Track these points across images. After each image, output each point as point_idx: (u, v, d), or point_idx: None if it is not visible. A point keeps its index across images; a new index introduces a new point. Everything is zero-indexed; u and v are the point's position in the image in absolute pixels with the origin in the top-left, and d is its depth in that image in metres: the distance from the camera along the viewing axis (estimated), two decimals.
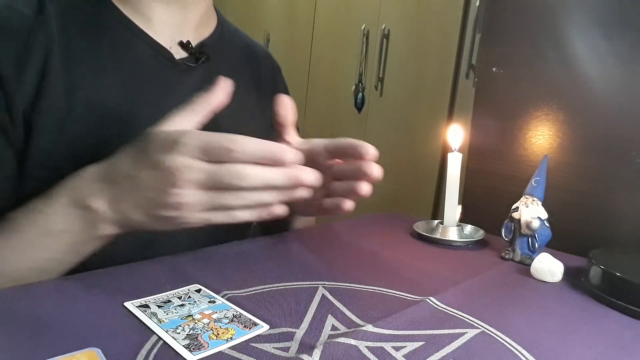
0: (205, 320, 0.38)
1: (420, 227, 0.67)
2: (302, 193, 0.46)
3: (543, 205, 0.59)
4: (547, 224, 0.58)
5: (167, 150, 0.43)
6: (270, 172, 0.44)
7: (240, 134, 0.68)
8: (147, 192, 0.43)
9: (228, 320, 0.38)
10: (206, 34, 0.65)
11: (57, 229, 0.45)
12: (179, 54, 0.61)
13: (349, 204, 0.53)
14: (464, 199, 0.81)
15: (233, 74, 0.67)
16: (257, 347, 0.35)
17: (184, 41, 0.61)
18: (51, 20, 0.52)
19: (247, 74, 0.71)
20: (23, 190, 0.50)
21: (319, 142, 0.56)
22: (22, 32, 0.50)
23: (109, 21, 0.56)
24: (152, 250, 0.52)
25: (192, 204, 0.43)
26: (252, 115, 0.70)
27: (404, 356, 0.35)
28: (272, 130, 0.74)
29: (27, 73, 0.50)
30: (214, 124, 0.62)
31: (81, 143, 0.52)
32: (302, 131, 0.90)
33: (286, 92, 0.81)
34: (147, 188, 0.43)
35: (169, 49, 0.59)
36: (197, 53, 0.62)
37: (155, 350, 0.33)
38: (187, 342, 0.35)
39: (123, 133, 0.53)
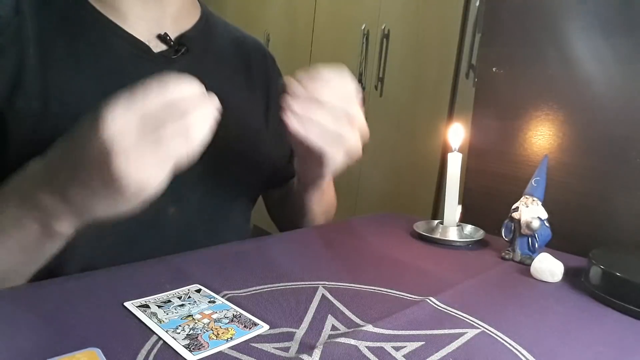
0: (205, 320, 0.38)
1: (420, 227, 0.67)
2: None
3: (543, 205, 0.59)
4: (547, 224, 0.58)
5: (97, 122, 0.40)
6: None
7: (229, 124, 0.68)
8: (86, 169, 0.40)
9: (228, 320, 0.38)
10: (187, 26, 0.65)
11: (11, 231, 0.44)
12: (158, 47, 0.60)
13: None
14: (464, 199, 0.81)
15: (218, 66, 0.67)
16: (257, 347, 0.35)
17: (162, 34, 0.61)
18: (26, 21, 0.52)
19: (236, 65, 0.71)
20: None
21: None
22: None
23: (84, 19, 0.56)
24: (151, 251, 0.52)
25: (127, 148, 0.39)
26: (241, 106, 0.69)
27: (404, 356, 0.35)
28: (264, 123, 0.73)
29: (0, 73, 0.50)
30: None
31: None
32: None
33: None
34: (86, 165, 0.40)
35: (147, 42, 0.59)
36: (176, 45, 0.61)
37: (155, 350, 0.33)
38: (187, 342, 0.35)
39: None
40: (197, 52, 0.64)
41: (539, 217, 0.58)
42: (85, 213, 0.43)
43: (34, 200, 0.43)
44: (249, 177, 0.68)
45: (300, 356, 0.33)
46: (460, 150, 0.65)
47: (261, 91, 0.74)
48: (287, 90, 0.49)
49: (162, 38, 0.61)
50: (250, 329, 0.37)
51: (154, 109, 0.41)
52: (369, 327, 0.38)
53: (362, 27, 1.99)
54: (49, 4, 0.55)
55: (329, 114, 0.51)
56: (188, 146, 0.43)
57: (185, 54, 0.62)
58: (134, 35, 0.58)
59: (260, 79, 0.74)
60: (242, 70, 0.71)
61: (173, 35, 0.62)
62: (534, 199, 0.59)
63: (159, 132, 0.41)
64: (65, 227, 0.44)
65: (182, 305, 0.40)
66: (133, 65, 0.57)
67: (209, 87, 0.65)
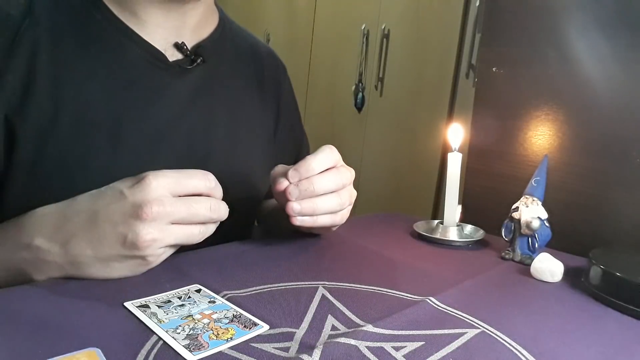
0: (205, 320, 0.38)
1: (420, 227, 0.67)
2: None
3: (543, 205, 0.59)
4: (547, 224, 0.58)
5: (135, 183, 0.42)
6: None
7: (240, 135, 0.68)
8: (107, 226, 0.41)
9: (228, 320, 0.38)
10: (204, 34, 0.64)
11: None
12: (174, 56, 0.59)
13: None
14: (464, 199, 0.81)
15: (232, 75, 0.67)
16: (257, 347, 0.35)
17: (179, 43, 0.60)
18: (39, 23, 0.51)
19: (249, 74, 0.70)
20: (8, 200, 0.49)
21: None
22: (7, 33, 0.49)
23: (100, 23, 0.55)
24: None
25: (158, 239, 0.42)
26: (253, 116, 0.69)
27: (404, 356, 0.35)
28: (273, 132, 0.74)
29: (9, 76, 0.49)
30: (212, 125, 0.62)
31: (67, 150, 0.51)
32: None
33: (292, 92, 0.80)
34: (108, 221, 0.41)
35: (163, 51, 0.58)
36: (192, 55, 0.60)
37: (155, 350, 0.33)
38: (187, 342, 0.35)
39: (110, 139, 0.53)
40: (213, 61, 0.63)
41: (539, 217, 0.58)
42: (78, 266, 0.43)
43: (27, 242, 0.42)
44: (255, 183, 0.68)
45: (300, 356, 0.33)
46: (460, 150, 0.65)
47: (273, 99, 0.74)
48: (286, 195, 0.51)
49: (179, 47, 0.60)
50: (250, 329, 0.37)
51: (191, 191, 0.45)
52: (369, 327, 0.38)
53: (362, 27, 1.99)
54: (63, 5, 0.54)
55: (330, 199, 0.53)
56: (201, 236, 0.46)
57: (200, 64, 0.61)
58: (150, 42, 0.57)
59: (272, 88, 0.74)
60: (255, 79, 0.71)
61: (190, 43, 0.61)
62: (534, 199, 0.59)
63: (189, 211, 0.44)
64: (43, 277, 0.43)
65: (182, 305, 0.40)
66: (147, 73, 0.57)
67: (222, 97, 0.65)
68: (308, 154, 0.85)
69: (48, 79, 0.50)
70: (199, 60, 0.61)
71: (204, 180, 0.46)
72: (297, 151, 0.81)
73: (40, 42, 0.51)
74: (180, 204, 0.43)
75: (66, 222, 0.42)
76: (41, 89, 0.50)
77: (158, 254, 0.44)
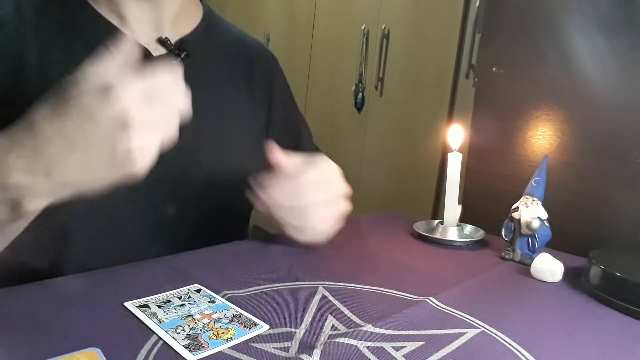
0: (205, 320, 0.38)
1: (420, 227, 0.67)
2: None
3: (543, 205, 0.59)
4: (547, 224, 0.58)
5: (103, 97, 0.38)
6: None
7: (228, 129, 0.68)
8: (91, 149, 0.39)
9: (228, 320, 0.38)
10: (188, 29, 0.64)
11: None
12: (158, 51, 0.60)
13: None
14: (464, 199, 0.81)
15: (219, 69, 0.67)
16: (257, 347, 0.35)
17: (163, 38, 0.60)
18: (27, 24, 0.52)
19: (237, 68, 0.70)
20: None
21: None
22: None
23: (84, 20, 0.56)
24: (148, 251, 0.52)
25: (149, 144, 0.40)
26: (242, 110, 0.69)
27: (404, 356, 0.35)
28: (265, 124, 0.73)
29: None
30: (198, 119, 0.62)
31: None
32: None
33: (285, 84, 0.80)
34: (91, 144, 0.39)
35: (146, 46, 0.58)
36: (176, 49, 0.61)
37: (155, 350, 0.33)
38: (187, 342, 0.35)
39: None
40: (198, 56, 0.63)
41: (539, 217, 0.58)
42: (68, 188, 0.41)
43: (5, 180, 0.40)
44: (249, 176, 0.68)
45: (300, 356, 0.33)
46: (460, 150, 0.65)
47: (263, 93, 0.73)
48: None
49: (162, 42, 0.60)
50: (250, 329, 0.37)
51: (154, 86, 0.40)
52: (369, 327, 0.38)
53: (362, 27, 1.99)
54: (49, 5, 0.55)
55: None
56: (176, 125, 0.42)
57: (185, 58, 0.61)
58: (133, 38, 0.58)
59: (262, 81, 0.73)
60: (244, 73, 0.71)
61: (173, 38, 0.61)
62: (534, 199, 0.59)
63: (159, 108, 0.40)
64: (38, 205, 0.41)
65: (182, 305, 0.40)
66: None
67: (209, 91, 0.65)
68: (310, 142, 0.84)
69: (36, 76, 0.51)
70: (183, 55, 0.61)
71: (171, 75, 0.42)
72: (295, 142, 0.80)
73: (27, 41, 0.52)
74: (157, 103, 0.40)
75: (40, 153, 0.39)
76: (29, 86, 0.51)
77: (149, 161, 0.41)
